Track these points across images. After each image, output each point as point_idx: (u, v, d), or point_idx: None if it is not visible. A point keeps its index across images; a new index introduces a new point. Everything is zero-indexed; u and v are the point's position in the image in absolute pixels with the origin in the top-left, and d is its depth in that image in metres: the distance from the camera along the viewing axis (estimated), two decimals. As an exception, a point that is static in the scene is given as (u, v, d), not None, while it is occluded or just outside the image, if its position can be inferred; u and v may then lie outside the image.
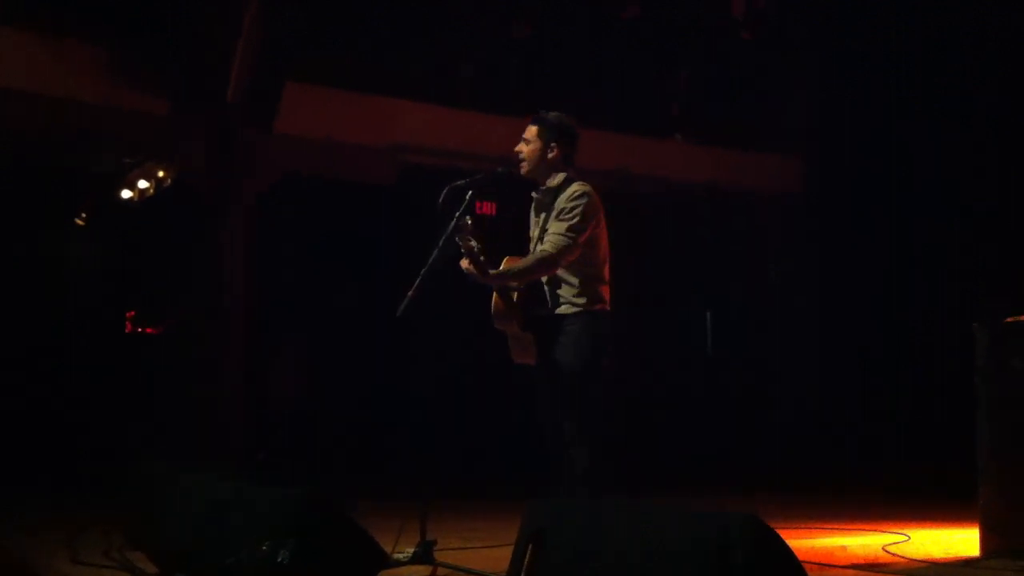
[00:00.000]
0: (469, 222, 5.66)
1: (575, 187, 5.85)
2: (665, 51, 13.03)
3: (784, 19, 13.46)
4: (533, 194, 6.04)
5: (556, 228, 5.76)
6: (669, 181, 13.05)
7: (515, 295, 5.86)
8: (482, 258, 5.69)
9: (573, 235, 5.71)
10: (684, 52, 13.17)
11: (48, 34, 9.68)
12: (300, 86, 10.46)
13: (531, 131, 5.95)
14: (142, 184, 10.42)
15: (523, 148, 5.95)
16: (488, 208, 10.68)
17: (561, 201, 5.81)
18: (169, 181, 10.15)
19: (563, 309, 5.79)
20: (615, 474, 5.76)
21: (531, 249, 5.98)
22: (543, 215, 5.93)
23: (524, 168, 5.95)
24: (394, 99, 11.54)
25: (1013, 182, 11.57)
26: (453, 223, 5.64)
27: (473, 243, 5.64)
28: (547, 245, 5.74)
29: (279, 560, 4.68)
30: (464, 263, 5.69)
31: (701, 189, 13.18)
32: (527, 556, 4.46)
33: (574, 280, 5.79)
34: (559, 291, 5.81)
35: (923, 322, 12.35)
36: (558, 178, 5.92)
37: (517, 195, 6.17)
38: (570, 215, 5.75)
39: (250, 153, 10.57)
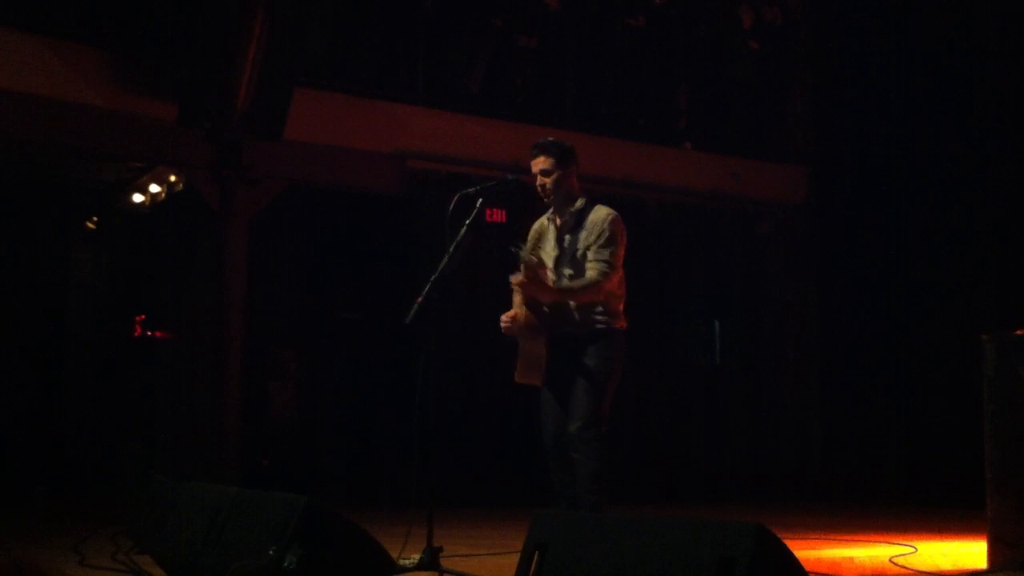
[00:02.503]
0: (533, 259, 5.71)
1: (604, 210, 5.92)
2: (670, 59, 13.00)
3: (787, 24, 13.45)
4: (557, 219, 6.04)
5: (599, 255, 5.83)
6: (671, 189, 12.99)
7: (546, 310, 5.90)
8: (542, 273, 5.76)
9: (615, 261, 5.83)
10: (689, 59, 13.12)
11: (53, 37, 9.65)
12: (304, 91, 10.39)
13: (547, 162, 5.93)
14: (154, 188, 10.39)
15: (546, 180, 5.92)
16: (498, 216, 10.66)
17: (595, 225, 5.87)
18: (181, 186, 10.12)
19: (590, 326, 5.85)
20: (615, 478, 5.82)
21: (553, 268, 5.99)
22: (568, 236, 5.95)
23: (551, 198, 5.96)
24: (399, 104, 11.50)
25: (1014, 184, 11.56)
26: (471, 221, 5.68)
27: (534, 258, 5.74)
28: (594, 274, 5.81)
29: (285, 565, 4.66)
30: (516, 278, 5.69)
31: (703, 196, 13.15)
32: (533, 566, 4.45)
33: (601, 299, 5.87)
34: (586, 308, 5.86)
35: (925, 327, 12.36)
36: (580, 201, 5.96)
37: (527, 203, 6.16)
38: (610, 241, 5.83)
39: (254, 162, 10.52)
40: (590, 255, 5.84)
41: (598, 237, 5.84)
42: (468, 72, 11.85)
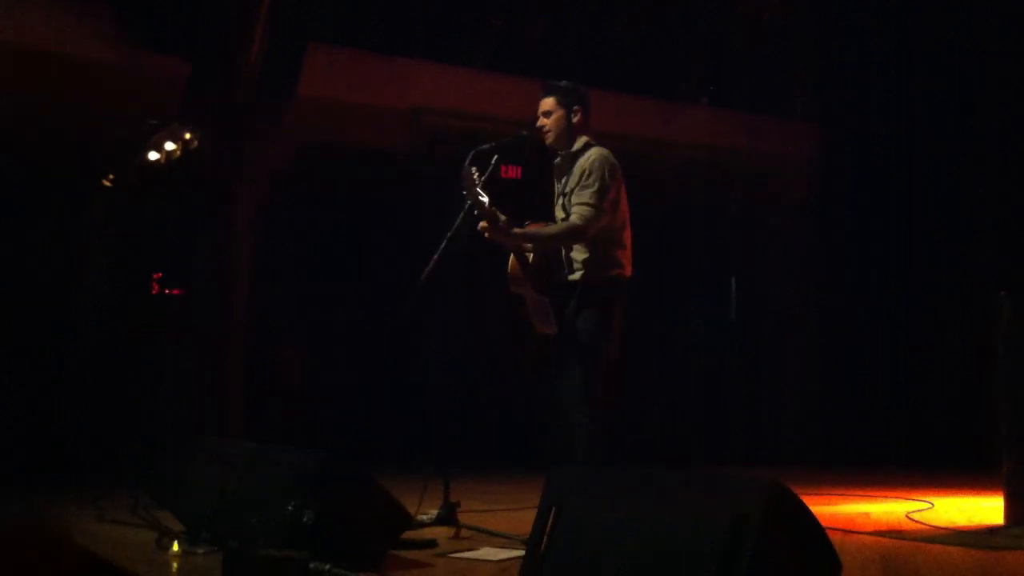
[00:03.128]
0: (475, 174, 5.53)
1: (593, 152, 5.71)
2: (680, 22, 12.95)
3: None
4: (556, 161, 5.92)
5: (580, 198, 5.60)
6: (678, 146, 12.82)
7: (531, 257, 5.73)
8: (501, 217, 5.54)
9: (597, 203, 5.57)
10: (699, 25, 13.09)
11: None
12: (316, 46, 10.28)
13: (549, 102, 5.80)
14: (169, 146, 10.30)
15: (546, 121, 5.79)
16: (513, 172, 10.54)
17: (580, 167, 5.68)
18: (196, 143, 10.02)
19: (577, 275, 5.63)
20: (616, 443, 5.63)
21: (554, 213, 5.86)
22: (564, 179, 5.79)
23: (550, 138, 5.80)
24: (414, 60, 11.39)
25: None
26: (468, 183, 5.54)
27: (483, 198, 5.49)
28: (574, 217, 5.57)
29: (304, 520, 4.65)
30: (482, 223, 5.53)
31: (708, 154, 13.01)
32: (550, 521, 4.42)
33: (591, 245, 5.63)
34: (574, 255, 5.66)
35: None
36: (580, 142, 5.79)
37: (543, 158, 6.08)
38: (591, 182, 5.60)
39: (265, 122, 10.38)
40: (573, 198, 5.65)
41: (580, 178, 5.65)
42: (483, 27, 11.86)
